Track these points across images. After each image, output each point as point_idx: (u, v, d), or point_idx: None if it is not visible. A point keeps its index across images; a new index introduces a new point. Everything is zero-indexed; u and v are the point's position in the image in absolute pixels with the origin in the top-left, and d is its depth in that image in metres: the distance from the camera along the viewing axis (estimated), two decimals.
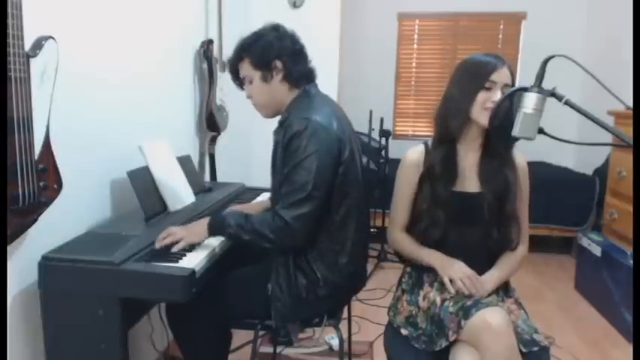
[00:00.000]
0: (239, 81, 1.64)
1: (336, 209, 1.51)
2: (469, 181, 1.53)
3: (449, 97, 1.52)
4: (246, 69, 1.59)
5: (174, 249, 1.45)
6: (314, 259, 1.52)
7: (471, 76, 1.48)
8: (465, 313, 1.33)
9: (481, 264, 1.53)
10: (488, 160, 1.53)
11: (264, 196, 2.23)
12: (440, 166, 1.51)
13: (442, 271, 1.48)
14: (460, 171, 1.52)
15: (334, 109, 1.59)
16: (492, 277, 1.50)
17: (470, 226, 1.51)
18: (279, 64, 1.54)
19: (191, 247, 1.50)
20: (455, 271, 1.46)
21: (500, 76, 1.45)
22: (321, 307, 1.59)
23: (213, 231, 1.51)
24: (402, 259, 1.67)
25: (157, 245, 1.46)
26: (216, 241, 1.57)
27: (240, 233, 1.47)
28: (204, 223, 1.52)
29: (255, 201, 2.12)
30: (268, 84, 1.56)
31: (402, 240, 1.62)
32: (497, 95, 1.43)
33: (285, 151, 1.47)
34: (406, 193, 1.59)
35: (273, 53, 1.54)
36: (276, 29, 1.58)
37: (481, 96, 1.45)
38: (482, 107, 1.45)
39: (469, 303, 1.36)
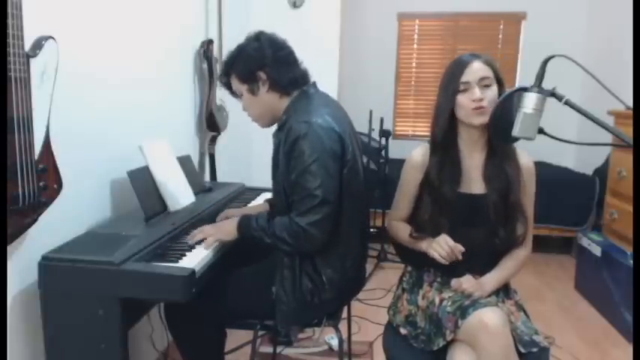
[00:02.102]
0: (235, 94, 1.66)
1: (341, 212, 1.50)
2: (475, 183, 1.52)
3: (437, 102, 1.53)
4: (235, 84, 1.60)
5: (204, 245, 1.51)
6: (320, 263, 1.51)
7: (447, 81, 1.49)
8: (462, 312, 1.33)
9: (486, 265, 1.53)
10: (492, 160, 1.52)
11: (265, 197, 2.23)
12: (438, 168, 1.51)
13: (428, 249, 1.46)
14: (465, 172, 1.52)
15: (334, 110, 1.58)
16: (492, 279, 1.50)
17: (475, 227, 1.50)
18: (262, 75, 1.54)
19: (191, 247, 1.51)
20: (438, 243, 1.44)
21: (472, 72, 1.44)
22: (325, 310, 1.59)
23: (241, 231, 1.54)
24: (401, 254, 1.67)
25: (190, 241, 1.53)
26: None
27: (262, 236, 1.49)
28: (234, 222, 1.55)
29: (253, 203, 2.12)
30: (256, 96, 1.57)
31: (397, 226, 1.62)
32: (476, 93, 1.43)
33: (289, 156, 1.46)
34: (409, 191, 1.59)
35: (255, 65, 1.53)
36: (257, 39, 1.57)
37: (461, 99, 1.45)
38: (470, 108, 1.44)
39: (467, 303, 1.36)
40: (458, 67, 1.46)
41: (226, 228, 1.56)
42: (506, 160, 1.51)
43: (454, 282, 1.49)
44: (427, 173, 1.53)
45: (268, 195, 2.22)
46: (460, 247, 1.43)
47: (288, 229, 1.44)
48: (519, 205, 1.51)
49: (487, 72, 1.45)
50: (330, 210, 1.44)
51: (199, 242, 1.54)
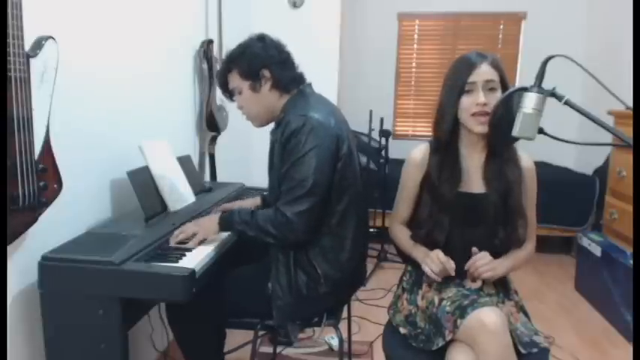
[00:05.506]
0: (228, 93, 1.67)
1: (335, 205, 1.52)
2: (475, 183, 1.52)
3: (440, 101, 1.52)
4: (234, 80, 1.61)
5: (190, 244, 1.50)
6: (315, 256, 1.52)
7: (453, 81, 1.48)
8: (462, 312, 1.33)
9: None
10: (492, 160, 1.52)
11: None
12: (438, 169, 1.51)
13: (422, 264, 1.48)
14: (465, 172, 1.52)
15: (330, 108, 1.61)
16: (503, 264, 1.49)
17: (474, 226, 1.50)
18: (266, 73, 1.57)
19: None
20: (431, 259, 1.44)
21: (479, 74, 1.43)
22: (322, 305, 1.59)
23: (222, 226, 1.55)
24: (402, 255, 1.67)
25: (172, 242, 1.52)
26: (216, 241, 1.58)
27: (245, 229, 1.50)
28: (214, 218, 1.56)
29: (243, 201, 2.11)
30: (257, 93, 1.59)
31: (399, 231, 1.62)
32: (480, 97, 1.42)
33: (284, 149, 1.48)
34: (410, 191, 1.60)
35: (260, 63, 1.57)
36: (261, 39, 1.61)
37: (464, 101, 1.45)
38: (469, 113, 1.44)
39: (466, 302, 1.36)
40: (465, 67, 1.45)
41: (207, 225, 1.56)
42: (507, 163, 1.51)
43: (469, 262, 1.46)
44: (427, 173, 1.54)
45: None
46: (452, 264, 1.43)
47: (272, 220, 1.46)
48: (520, 208, 1.50)
49: (494, 75, 1.44)
50: (317, 201, 1.45)
51: (184, 242, 1.52)
